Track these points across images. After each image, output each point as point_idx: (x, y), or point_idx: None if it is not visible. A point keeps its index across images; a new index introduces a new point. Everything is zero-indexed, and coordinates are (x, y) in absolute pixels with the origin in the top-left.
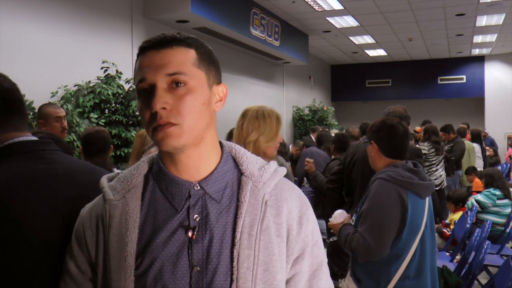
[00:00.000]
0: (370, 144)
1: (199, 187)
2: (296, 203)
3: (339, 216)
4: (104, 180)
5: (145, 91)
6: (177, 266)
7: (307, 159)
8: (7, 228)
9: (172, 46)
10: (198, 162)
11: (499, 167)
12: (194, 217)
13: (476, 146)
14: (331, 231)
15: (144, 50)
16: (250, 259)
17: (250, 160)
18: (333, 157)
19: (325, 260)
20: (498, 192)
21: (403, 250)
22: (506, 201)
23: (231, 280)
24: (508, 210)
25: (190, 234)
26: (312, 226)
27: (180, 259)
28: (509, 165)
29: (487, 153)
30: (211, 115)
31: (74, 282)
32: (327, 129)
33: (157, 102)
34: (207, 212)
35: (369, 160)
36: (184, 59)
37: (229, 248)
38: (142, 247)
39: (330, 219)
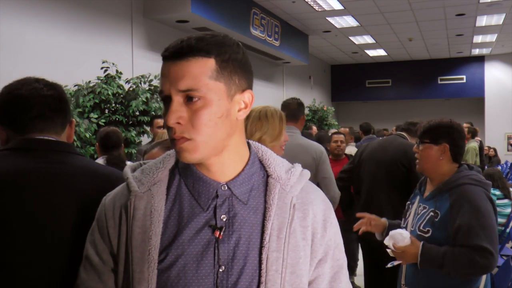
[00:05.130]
0: (436, 145)
1: (226, 188)
2: (320, 206)
3: (404, 236)
4: (128, 170)
5: (164, 101)
6: (201, 264)
7: None
8: None
9: (189, 57)
10: (221, 168)
11: (499, 167)
12: (221, 217)
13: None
14: (391, 255)
15: (163, 58)
16: (279, 261)
17: (277, 162)
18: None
19: (345, 263)
20: (498, 192)
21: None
22: (506, 201)
23: (259, 282)
24: (508, 210)
25: (217, 234)
26: (335, 230)
27: (204, 258)
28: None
29: (486, 152)
30: (231, 125)
31: (95, 271)
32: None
33: (170, 118)
34: (234, 213)
35: (425, 163)
36: (199, 73)
37: (256, 250)
38: (166, 242)
39: (388, 243)
